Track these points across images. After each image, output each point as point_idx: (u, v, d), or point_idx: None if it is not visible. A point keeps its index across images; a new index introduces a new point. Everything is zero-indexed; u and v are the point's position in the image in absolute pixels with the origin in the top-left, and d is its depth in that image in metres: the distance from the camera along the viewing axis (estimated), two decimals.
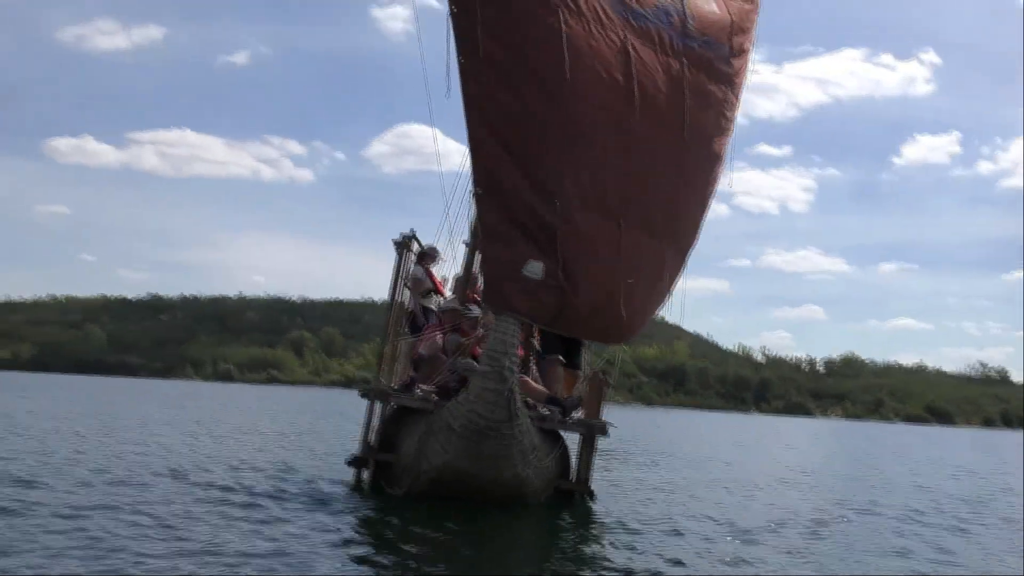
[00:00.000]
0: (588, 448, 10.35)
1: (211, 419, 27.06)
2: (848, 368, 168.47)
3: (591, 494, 10.43)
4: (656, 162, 9.75)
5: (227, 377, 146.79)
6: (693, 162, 10.25)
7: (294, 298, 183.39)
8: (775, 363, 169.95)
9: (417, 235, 11.00)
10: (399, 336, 11.00)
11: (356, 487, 10.31)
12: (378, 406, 10.32)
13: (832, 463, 24.52)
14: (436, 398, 9.57)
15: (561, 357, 10.49)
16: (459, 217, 10.51)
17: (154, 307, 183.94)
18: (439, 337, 10.60)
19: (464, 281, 10.74)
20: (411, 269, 11.23)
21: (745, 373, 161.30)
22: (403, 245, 10.47)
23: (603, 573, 7.17)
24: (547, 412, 9.95)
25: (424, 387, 9.85)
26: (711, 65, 10.28)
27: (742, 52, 10.91)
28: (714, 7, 10.47)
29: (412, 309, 11.53)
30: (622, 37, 9.25)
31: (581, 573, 7.23)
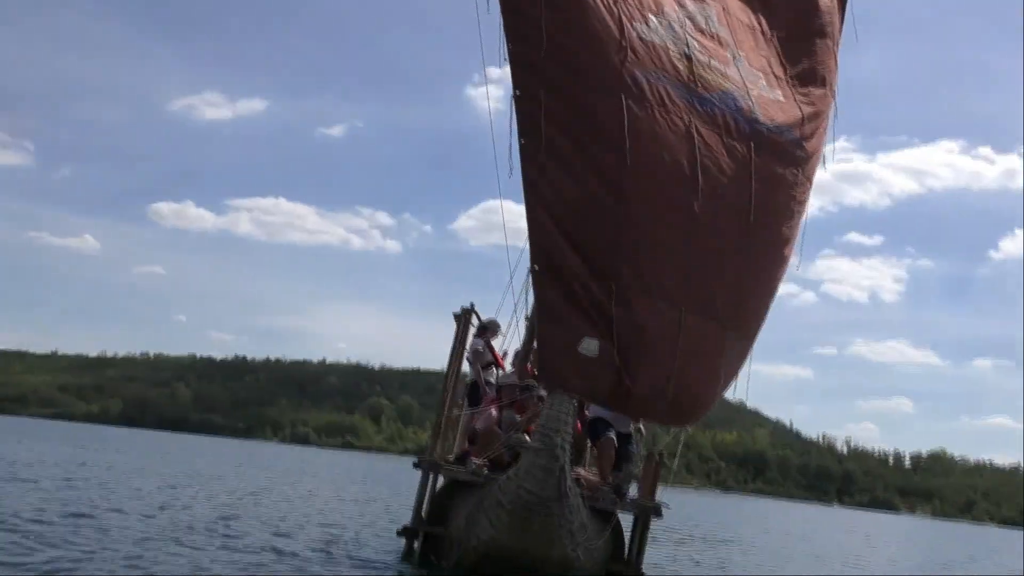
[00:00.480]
0: (641, 530, 10.19)
1: (281, 480, 27.39)
2: (936, 465, 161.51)
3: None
4: (721, 246, 9.71)
5: (304, 440, 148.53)
6: (760, 246, 10.18)
7: (374, 365, 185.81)
8: (859, 455, 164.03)
9: (476, 309, 11.16)
10: (456, 408, 11.10)
11: (406, 557, 10.32)
12: (431, 478, 10.37)
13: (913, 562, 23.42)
14: (487, 472, 9.58)
15: (614, 437, 10.41)
16: (522, 292, 10.63)
17: (239, 368, 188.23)
18: (494, 411, 10.66)
19: (524, 356, 10.82)
20: (471, 342, 11.38)
21: (828, 464, 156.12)
22: (462, 318, 10.64)
23: None
24: (605, 489, 9.87)
25: (476, 460, 9.89)
26: (780, 148, 10.26)
27: (814, 134, 10.88)
28: (779, 95, 10.52)
29: (474, 380, 11.64)
30: (686, 122, 9.33)
31: None
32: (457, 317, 10.81)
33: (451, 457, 11.07)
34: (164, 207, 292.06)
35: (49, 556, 7.97)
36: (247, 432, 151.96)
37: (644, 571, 10.35)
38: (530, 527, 8.82)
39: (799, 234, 11.16)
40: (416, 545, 10.34)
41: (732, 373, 10.61)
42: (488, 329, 11.64)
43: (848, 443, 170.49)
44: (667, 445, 13.24)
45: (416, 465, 10.46)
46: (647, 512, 10.16)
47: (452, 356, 10.53)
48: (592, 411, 10.81)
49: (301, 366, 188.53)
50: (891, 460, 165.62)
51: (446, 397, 10.70)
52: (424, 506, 10.36)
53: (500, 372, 11.72)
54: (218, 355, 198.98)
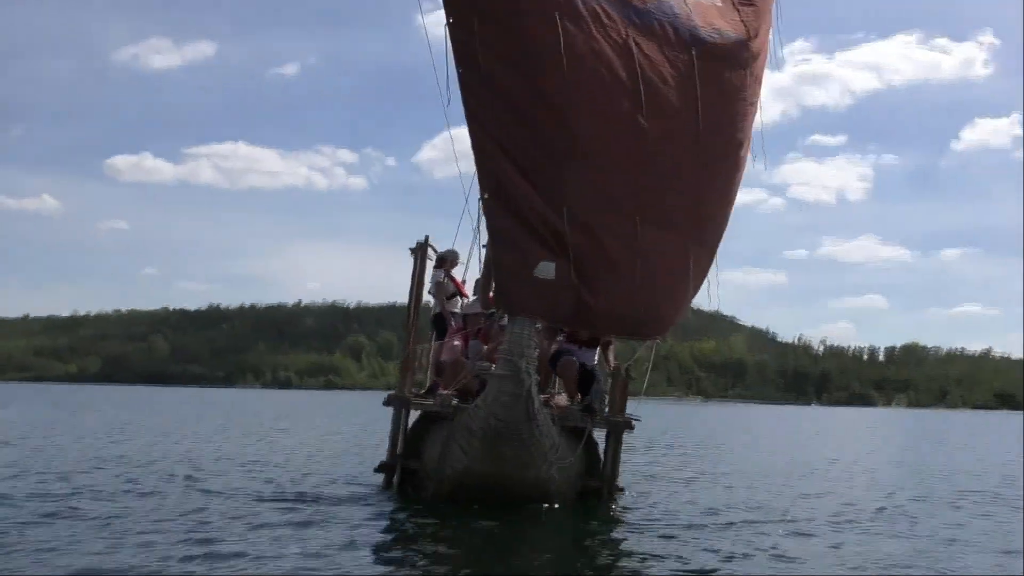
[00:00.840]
0: (614, 445, 10.31)
1: (261, 425, 27.49)
2: (910, 357, 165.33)
3: (619, 490, 10.39)
4: (672, 156, 9.63)
5: (286, 383, 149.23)
6: (713, 152, 10.06)
7: (350, 304, 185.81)
8: (835, 354, 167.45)
9: (434, 241, 11.07)
10: (421, 342, 11.09)
11: (384, 491, 10.41)
12: (403, 413, 10.41)
13: (882, 452, 24.04)
14: (455, 402, 9.62)
15: (574, 359, 10.47)
16: (478, 219, 10.54)
17: (214, 317, 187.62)
18: (458, 342, 10.66)
19: (485, 284, 10.78)
20: (432, 274, 11.31)
21: (804, 365, 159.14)
22: (418, 252, 10.53)
23: (623, 571, 7.18)
24: (573, 411, 9.95)
25: (444, 392, 9.92)
26: (724, 52, 10.11)
27: (758, 34, 10.73)
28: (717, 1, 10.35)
29: (439, 312, 11.60)
30: (624, 35, 9.14)
31: (600, 571, 7.22)
32: (413, 251, 10.71)
33: (422, 391, 11.09)
34: (120, 161, 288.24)
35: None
36: (228, 380, 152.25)
37: (620, 484, 10.50)
38: (502, 452, 8.91)
39: (752, 135, 11.09)
40: (394, 480, 10.42)
41: (698, 282, 10.64)
42: (447, 260, 11.54)
43: (824, 343, 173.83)
44: (638, 358, 13.39)
45: (387, 402, 10.49)
46: (619, 427, 10.27)
47: (412, 291, 10.46)
48: (557, 345, 10.89)
49: (276, 310, 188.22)
50: (866, 356, 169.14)
51: (410, 332, 10.68)
52: (399, 441, 10.42)
53: (464, 301, 11.69)
54: (192, 305, 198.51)
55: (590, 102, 8.92)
